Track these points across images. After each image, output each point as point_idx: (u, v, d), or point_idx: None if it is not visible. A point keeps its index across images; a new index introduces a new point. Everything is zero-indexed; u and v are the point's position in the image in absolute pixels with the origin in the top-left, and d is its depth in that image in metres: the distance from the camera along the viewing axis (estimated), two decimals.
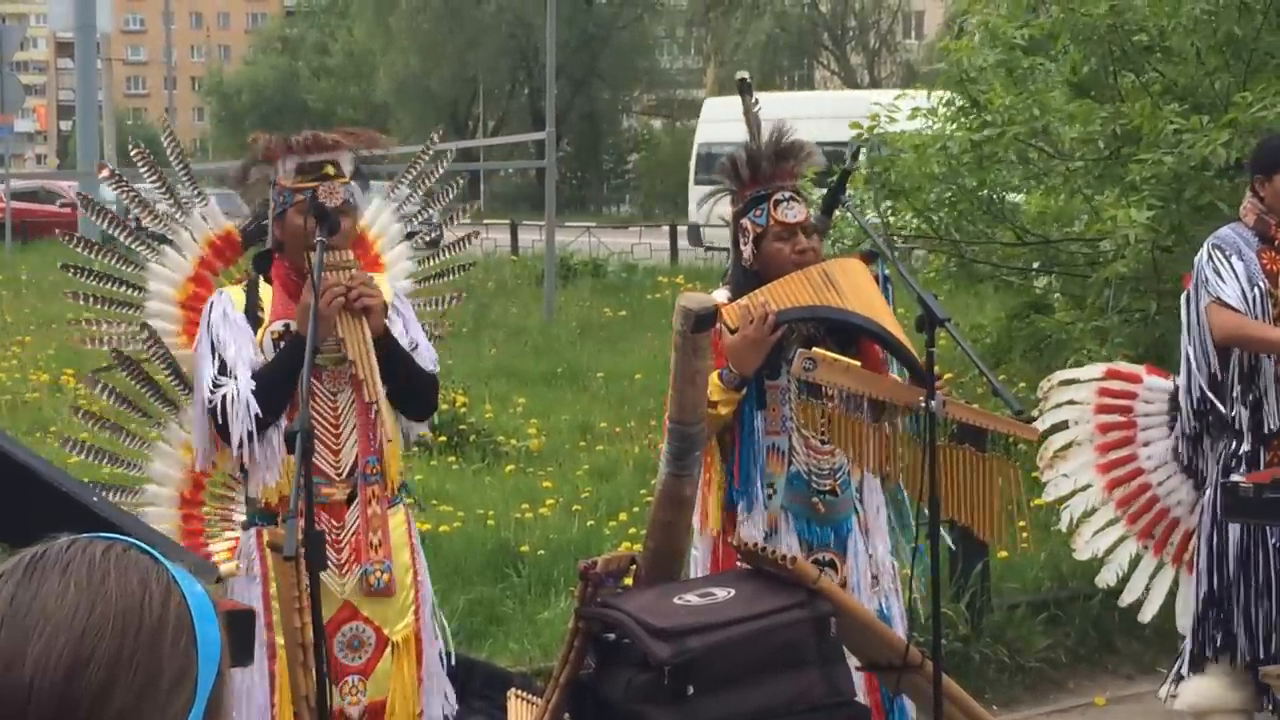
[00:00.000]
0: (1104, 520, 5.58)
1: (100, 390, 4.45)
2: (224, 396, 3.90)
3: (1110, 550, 5.59)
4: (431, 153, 4.95)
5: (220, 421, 3.92)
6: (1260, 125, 6.78)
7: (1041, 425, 5.58)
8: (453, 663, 4.45)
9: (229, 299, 4.07)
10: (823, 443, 4.23)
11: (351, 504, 4.02)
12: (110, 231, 4.63)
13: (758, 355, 4.08)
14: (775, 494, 4.22)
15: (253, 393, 3.89)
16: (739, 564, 4.14)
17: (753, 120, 4.40)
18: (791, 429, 4.22)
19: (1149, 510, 5.53)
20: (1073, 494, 5.62)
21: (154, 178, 4.52)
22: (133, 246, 4.50)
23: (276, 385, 3.92)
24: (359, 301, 3.91)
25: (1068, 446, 5.63)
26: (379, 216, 4.75)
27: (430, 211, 4.93)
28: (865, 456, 4.16)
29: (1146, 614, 5.66)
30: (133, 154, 4.61)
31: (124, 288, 4.44)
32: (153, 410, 4.46)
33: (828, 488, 4.26)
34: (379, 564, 4.03)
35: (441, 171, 5.02)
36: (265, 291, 4.08)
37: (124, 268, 4.47)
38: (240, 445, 3.91)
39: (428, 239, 4.87)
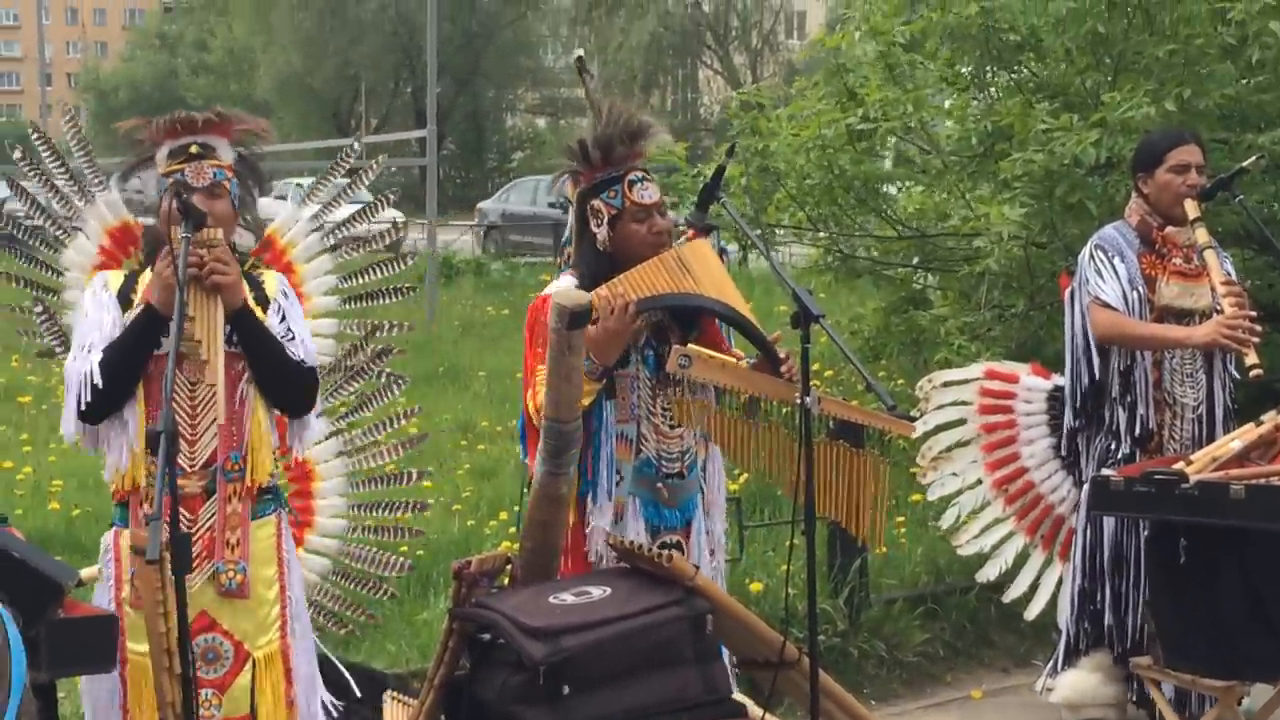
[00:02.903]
0: (991, 517, 5.65)
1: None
2: (71, 369, 3.82)
3: (997, 546, 5.66)
4: (350, 164, 4.92)
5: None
6: (1129, 125, 6.88)
7: (925, 425, 5.65)
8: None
9: (104, 279, 3.99)
10: (671, 428, 4.23)
11: (209, 499, 3.89)
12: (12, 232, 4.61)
13: (619, 345, 4.08)
14: (623, 480, 4.22)
15: (99, 364, 3.77)
16: (586, 550, 4.14)
17: (594, 99, 4.38)
18: (640, 416, 4.22)
19: (1035, 507, 5.60)
20: (960, 491, 5.68)
21: (58, 164, 4.46)
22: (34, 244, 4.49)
23: (121, 359, 3.80)
24: (210, 278, 3.77)
25: (953, 446, 5.69)
26: (293, 224, 4.68)
27: (358, 224, 4.89)
28: (739, 452, 4.17)
29: (1033, 609, 5.71)
30: (34, 138, 4.61)
31: (44, 270, 4.48)
32: None
33: (675, 470, 4.26)
34: (233, 563, 3.89)
35: (367, 183, 5.07)
36: (145, 277, 3.96)
37: (44, 249, 4.47)
38: (70, 419, 3.81)
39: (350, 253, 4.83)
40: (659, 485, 4.24)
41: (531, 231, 28.01)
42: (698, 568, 3.96)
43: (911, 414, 5.75)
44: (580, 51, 4.76)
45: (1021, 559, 5.67)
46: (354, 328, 4.89)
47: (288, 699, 4.02)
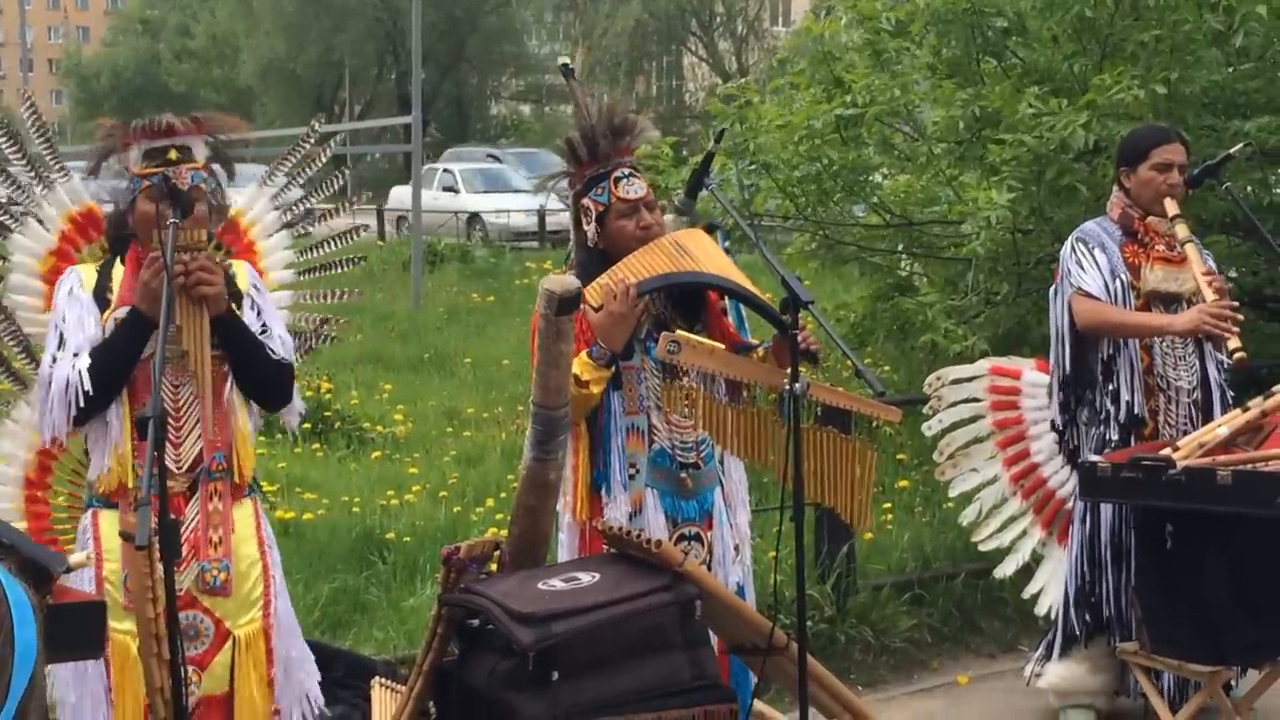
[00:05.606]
0: (1010, 512, 5.66)
1: None
2: (56, 372, 3.81)
3: (1016, 541, 5.67)
4: (313, 140, 4.88)
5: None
6: (1118, 108, 6.88)
7: (940, 423, 5.68)
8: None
9: (79, 277, 3.98)
10: (684, 416, 4.23)
11: (192, 498, 3.91)
12: None
13: (625, 330, 4.08)
14: (639, 473, 4.21)
15: (88, 370, 3.78)
16: (606, 548, 4.12)
17: (581, 100, 4.39)
18: (649, 408, 4.22)
19: (1048, 501, 5.61)
20: (980, 487, 5.70)
21: (14, 149, 4.40)
22: None
23: (109, 364, 3.82)
24: (196, 289, 3.80)
25: (970, 442, 5.70)
26: (255, 204, 4.66)
27: (310, 202, 4.82)
28: (727, 437, 4.15)
29: (1044, 604, 5.67)
30: None
31: None
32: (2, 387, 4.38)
33: (691, 461, 4.26)
34: (216, 562, 3.92)
35: (323, 161, 4.95)
36: (118, 274, 3.97)
37: None
38: (60, 423, 3.82)
39: (306, 229, 4.79)
40: (683, 476, 4.25)
41: None
42: (707, 557, 3.97)
43: (923, 410, 5.77)
44: (566, 59, 4.77)
45: (1040, 556, 5.68)
46: (309, 298, 4.86)
47: (267, 678, 4.03)
